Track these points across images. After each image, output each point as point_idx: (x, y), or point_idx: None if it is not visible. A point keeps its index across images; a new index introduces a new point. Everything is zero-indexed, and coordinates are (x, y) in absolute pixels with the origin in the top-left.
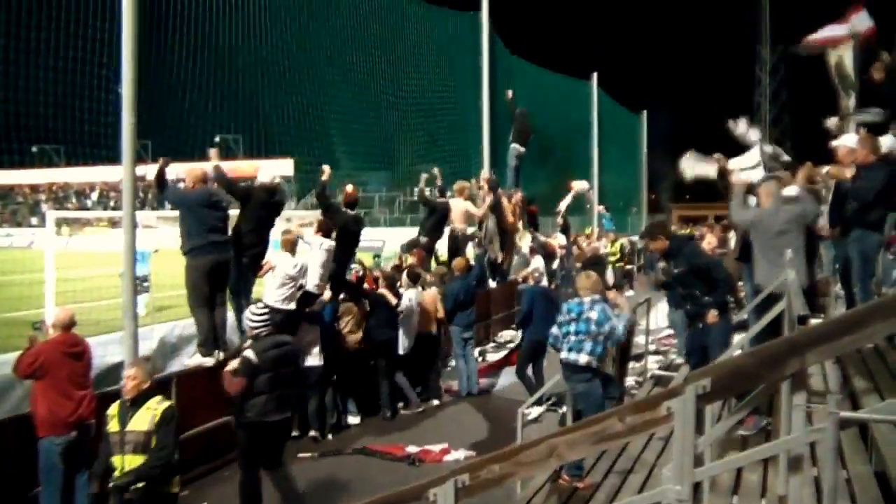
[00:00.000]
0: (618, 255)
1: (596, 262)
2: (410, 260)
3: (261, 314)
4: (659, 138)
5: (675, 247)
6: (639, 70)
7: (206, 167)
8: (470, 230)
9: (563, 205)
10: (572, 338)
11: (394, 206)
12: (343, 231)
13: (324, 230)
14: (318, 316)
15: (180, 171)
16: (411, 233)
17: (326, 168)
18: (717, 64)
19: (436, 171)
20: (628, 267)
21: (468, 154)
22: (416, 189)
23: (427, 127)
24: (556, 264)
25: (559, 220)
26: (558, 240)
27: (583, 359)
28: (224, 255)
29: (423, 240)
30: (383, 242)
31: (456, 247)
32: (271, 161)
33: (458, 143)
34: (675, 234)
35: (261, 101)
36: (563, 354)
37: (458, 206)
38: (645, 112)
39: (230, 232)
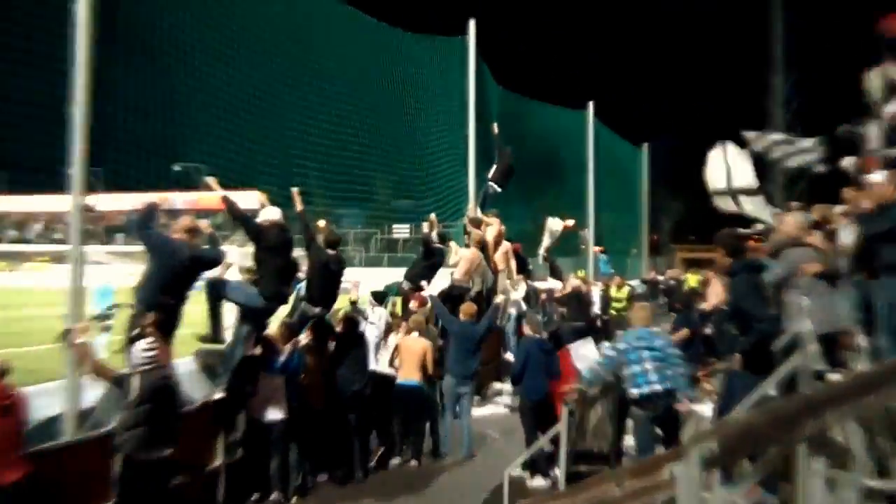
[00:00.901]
0: (626, 304)
1: (575, 300)
2: (411, 305)
3: (149, 350)
4: (661, 173)
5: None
6: (639, 100)
7: (208, 198)
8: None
9: (543, 246)
10: (649, 366)
11: (369, 245)
12: (322, 270)
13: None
14: (283, 365)
15: (138, 203)
16: (388, 274)
17: (295, 190)
18: (725, 94)
19: (432, 217)
20: None
21: (453, 190)
22: (425, 233)
23: (408, 160)
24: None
25: (542, 261)
26: (549, 284)
27: (665, 386)
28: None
29: (406, 285)
30: (357, 284)
31: (453, 304)
32: (237, 193)
33: (441, 179)
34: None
35: (225, 128)
36: (645, 389)
37: (473, 259)
38: (646, 145)
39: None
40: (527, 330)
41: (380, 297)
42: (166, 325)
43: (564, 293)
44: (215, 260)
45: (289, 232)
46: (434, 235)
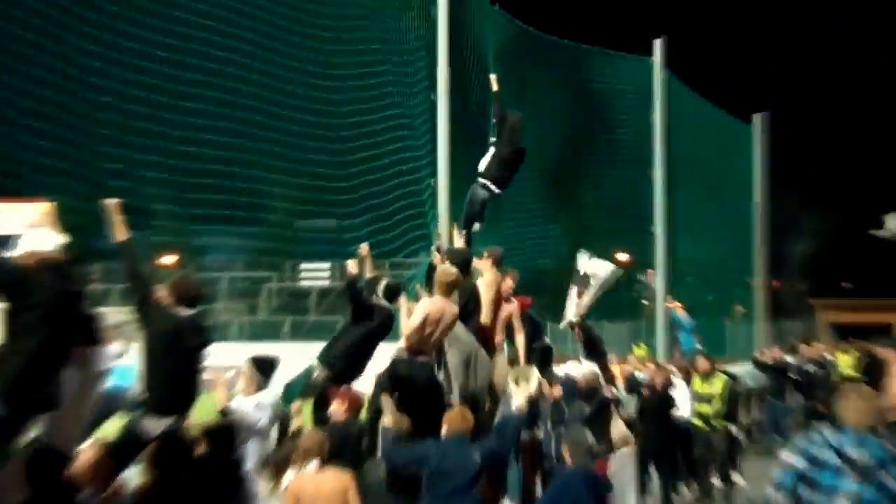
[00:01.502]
0: (720, 406)
1: (589, 396)
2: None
3: None
4: (787, 166)
5: None
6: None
7: None
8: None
9: (574, 304)
10: None
11: (257, 299)
12: (169, 349)
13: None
14: None
15: None
16: (291, 354)
17: (110, 203)
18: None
19: (363, 249)
20: (733, 430)
21: (408, 200)
22: (351, 274)
23: (326, 148)
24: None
25: (571, 329)
26: (578, 368)
27: None
28: None
29: (323, 373)
30: (234, 372)
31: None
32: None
33: (386, 180)
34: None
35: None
36: None
37: (434, 313)
38: (758, 117)
39: None
40: (567, 456)
41: (265, 368)
42: None
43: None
44: None
45: (74, 277)
46: (381, 287)
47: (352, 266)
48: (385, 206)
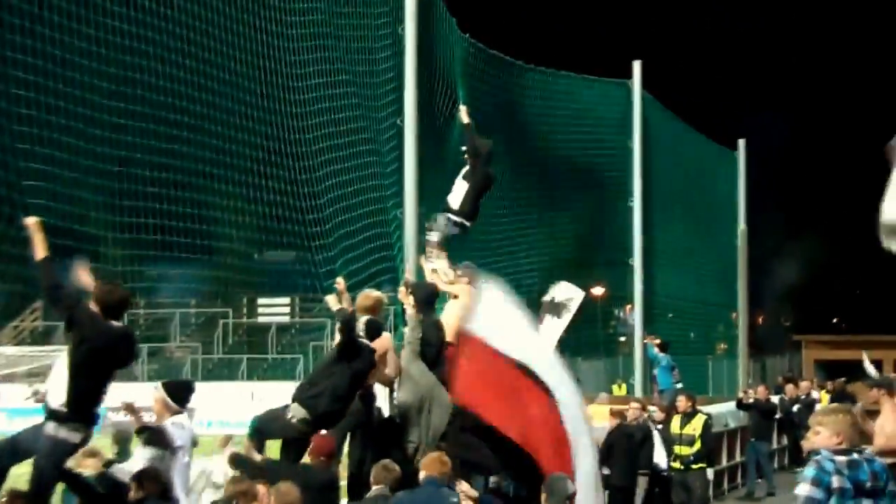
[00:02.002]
0: (697, 446)
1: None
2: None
3: None
4: (770, 193)
5: None
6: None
7: None
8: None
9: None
10: None
11: (213, 336)
12: (104, 354)
13: None
14: None
15: None
16: (248, 396)
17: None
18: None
19: (340, 283)
20: (709, 473)
21: (375, 228)
22: (342, 311)
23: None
24: None
25: None
26: None
27: None
28: None
29: (298, 415)
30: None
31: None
32: None
33: (353, 206)
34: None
35: None
36: None
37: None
38: (742, 143)
39: None
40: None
41: (179, 394)
42: None
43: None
44: None
45: None
46: (362, 323)
47: (332, 301)
48: (349, 237)
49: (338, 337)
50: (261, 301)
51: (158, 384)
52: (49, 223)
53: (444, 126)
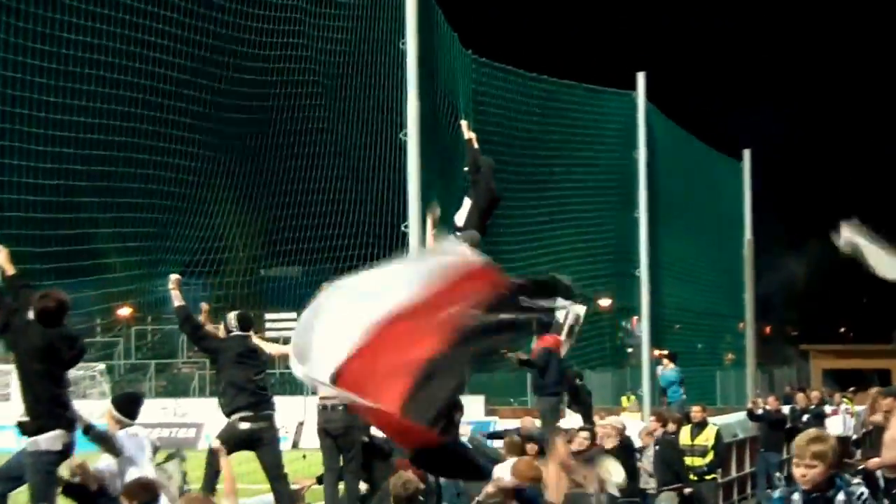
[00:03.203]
0: (710, 457)
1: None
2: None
3: None
4: (776, 202)
5: None
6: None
7: None
8: None
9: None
10: None
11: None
12: (43, 353)
13: None
14: None
15: None
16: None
17: None
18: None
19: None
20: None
21: (379, 244)
22: None
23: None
24: None
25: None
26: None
27: None
28: None
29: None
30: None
31: None
32: None
33: (356, 223)
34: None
35: None
36: None
37: None
38: (747, 153)
39: None
40: None
41: (128, 407)
42: None
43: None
44: None
45: None
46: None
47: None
48: (353, 252)
49: None
50: (268, 316)
51: (109, 401)
52: (55, 235)
53: (450, 142)
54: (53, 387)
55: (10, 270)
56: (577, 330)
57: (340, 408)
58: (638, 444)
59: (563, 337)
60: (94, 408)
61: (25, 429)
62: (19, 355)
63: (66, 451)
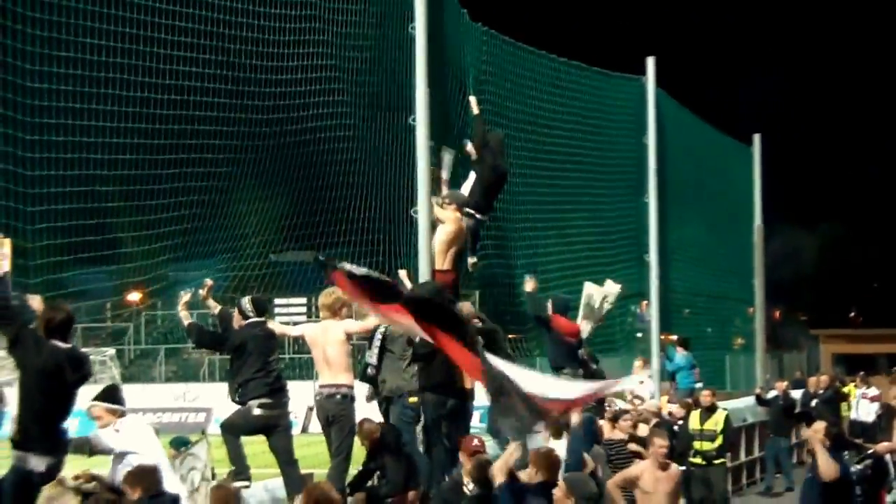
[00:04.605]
0: (719, 441)
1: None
2: None
3: None
4: (785, 188)
5: None
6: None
7: None
8: None
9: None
10: None
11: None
12: (48, 375)
13: None
14: None
15: None
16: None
17: None
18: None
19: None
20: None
21: (390, 228)
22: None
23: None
24: None
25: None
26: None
27: None
28: None
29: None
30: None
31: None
32: None
33: (367, 207)
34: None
35: None
36: None
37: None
38: (757, 138)
39: None
40: None
41: (114, 396)
42: None
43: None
44: None
45: None
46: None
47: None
48: (364, 236)
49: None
50: (277, 301)
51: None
52: (69, 223)
53: (460, 125)
54: (53, 408)
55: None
56: (608, 309)
57: (338, 397)
58: None
59: (580, 319)
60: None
61: (16, 445)
62: (27, 372)
63: (49, 474)
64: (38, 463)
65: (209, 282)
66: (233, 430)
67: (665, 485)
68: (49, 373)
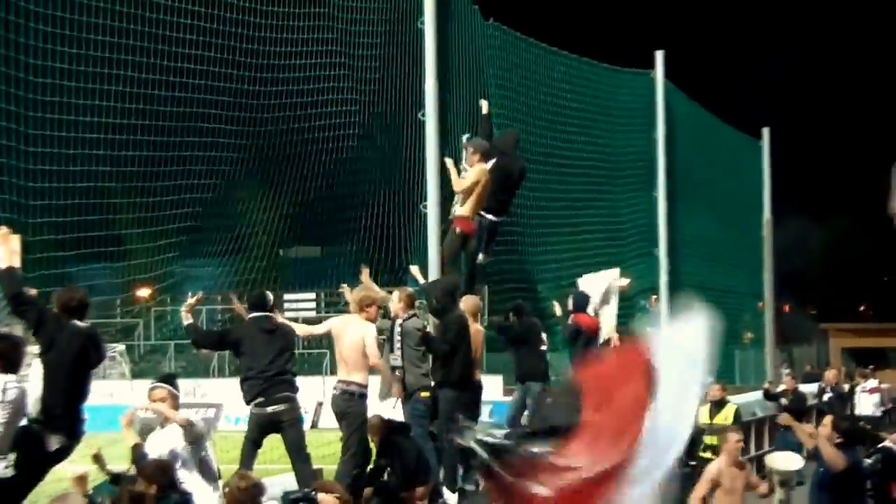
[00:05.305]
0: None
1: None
2: None
3: None
4: (794, 183)
5: None
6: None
7: None
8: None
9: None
10: None
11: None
12: (73, 355)
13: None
14: None
15: None
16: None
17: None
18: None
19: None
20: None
21: (400, 224)
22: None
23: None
24: None
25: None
26: None
27: None
28: None
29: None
30: (216, 409)
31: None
32: None
33: (376, 203)
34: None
35: None
36: None
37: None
38: (766, 131)
39: None
40: None
41: (173, 382)
42: None
43: None
44: None
45: None
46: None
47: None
48: (374, 231)
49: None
50: (287, 296)
51: (155, 385)
52: (74, 219)
53: (469, 120)
54: (75, 389)
55: (4, 263)
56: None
57: (348, 394)
58: None
59: (592, 312)
60: (114, 388)
61: (37, 423)
62: (54, 351)
63: (59, 454)
64: (52, 442)
65: (195, 298)
66: (247, 433)
67: (741, 481)
68: (75, 351)
